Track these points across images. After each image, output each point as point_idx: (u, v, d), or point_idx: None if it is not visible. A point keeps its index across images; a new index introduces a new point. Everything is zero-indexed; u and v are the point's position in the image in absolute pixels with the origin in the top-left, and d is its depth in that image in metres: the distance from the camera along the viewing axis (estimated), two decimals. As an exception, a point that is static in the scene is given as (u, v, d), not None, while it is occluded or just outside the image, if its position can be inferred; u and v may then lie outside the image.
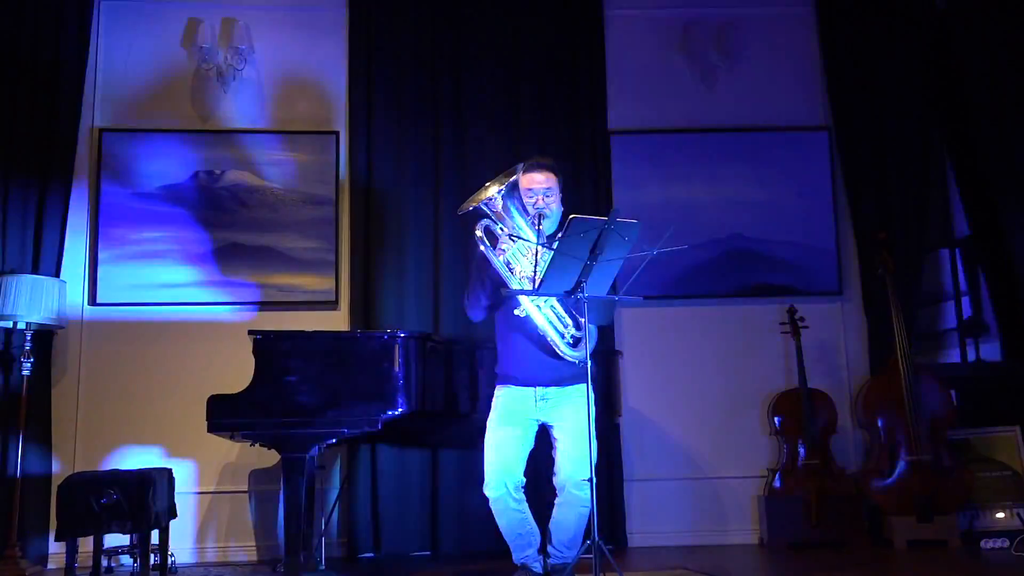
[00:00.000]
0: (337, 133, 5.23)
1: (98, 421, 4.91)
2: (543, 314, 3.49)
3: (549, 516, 3.65)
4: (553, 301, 3.50)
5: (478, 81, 5.27)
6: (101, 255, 5.02)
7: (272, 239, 5.11)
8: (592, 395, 3.32)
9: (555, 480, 3.59)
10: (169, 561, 4.30)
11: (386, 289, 5.05)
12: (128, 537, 4.12)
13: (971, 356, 5.65)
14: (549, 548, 3.64)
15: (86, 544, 4.08)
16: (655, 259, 3.34)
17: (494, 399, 3.65)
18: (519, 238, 3.49)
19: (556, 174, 3.62)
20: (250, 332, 3.90)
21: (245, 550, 4.86)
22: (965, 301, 5.73)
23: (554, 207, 3.58)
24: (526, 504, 3.61)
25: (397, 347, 3.86)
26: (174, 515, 4.31)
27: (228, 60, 5.20)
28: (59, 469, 4.74)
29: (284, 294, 5.08)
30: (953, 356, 5.76)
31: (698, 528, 5.04)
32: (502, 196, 3.51)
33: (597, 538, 3.19)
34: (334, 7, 5.33)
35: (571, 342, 3.50)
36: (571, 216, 3.19)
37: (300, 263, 5.10)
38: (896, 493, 4.70)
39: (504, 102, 5.27)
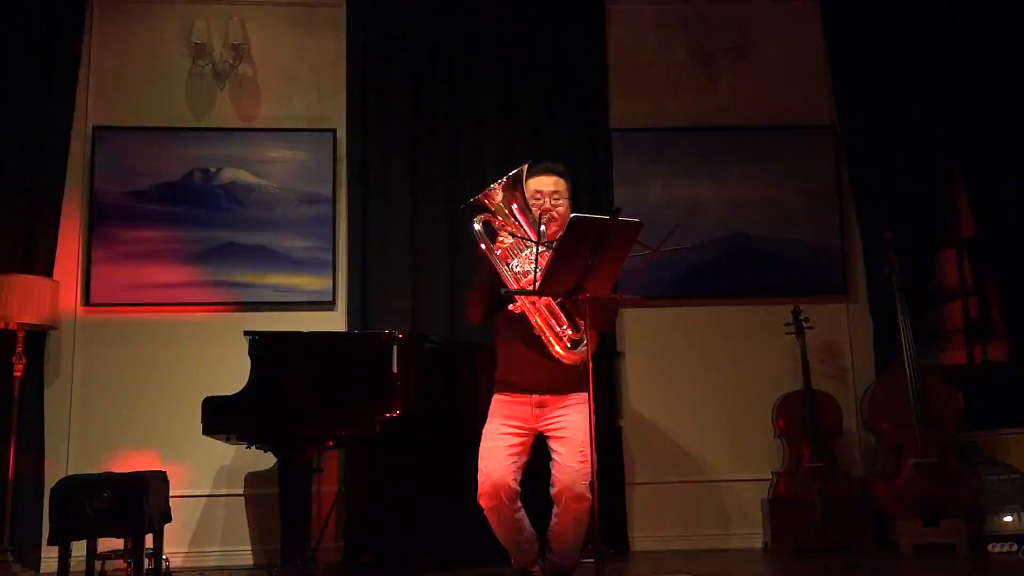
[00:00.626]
0: (334, 131, 5.18)
1: (92, 423, 4.86)
2: (538, 319, 3.42)
3: (548, 520, 3.58)
4: (551, 302, 3.43)
5: (477, 77, 5.24)
6: (95, 255, 4.97)
7: (268, 238, 5.06)
8: (592, 404, 3.24)
9: (552, 492, 3.50)
10: (164, 566, 4.24)
11: (384, 289, 5.00)
12: (122, 542, 4.06)
13: (978, 357, 5.59)
14: (548, 554, 3.58)
15: (79, 549, 4.02)
16: (656, 259, 3.28)
17: (491, 406, 3.58)
18: (517, 236, 3.43)
19: (566, 179, 3.58)
20: (246, 333, 3.90)
21: (241, 554, 4.82)
22: (972, 302, 5.67)
23: (561, 210, 3.53)
24: (523, 511, 3.53)
25: (395, 348, 3.81)
26: (169, 518, 4.27)
27: (224, 57, 5.15)
28: (52, 472, 4.67)
29: (280, 294, 5.03)
30: (960, 357, 5.70)
31: (701, 532, 5.00)
32: (503, 191, 3.45)
33: (600, 545, 3.12)
34: (331, 3, 5.27)
35: (569, 344, 3.43)
36: (572, 215, 3.14)
37: (297, 263, 5.05)
38: (902, 496, 4.64)
39: (504, 98, 5.23)
